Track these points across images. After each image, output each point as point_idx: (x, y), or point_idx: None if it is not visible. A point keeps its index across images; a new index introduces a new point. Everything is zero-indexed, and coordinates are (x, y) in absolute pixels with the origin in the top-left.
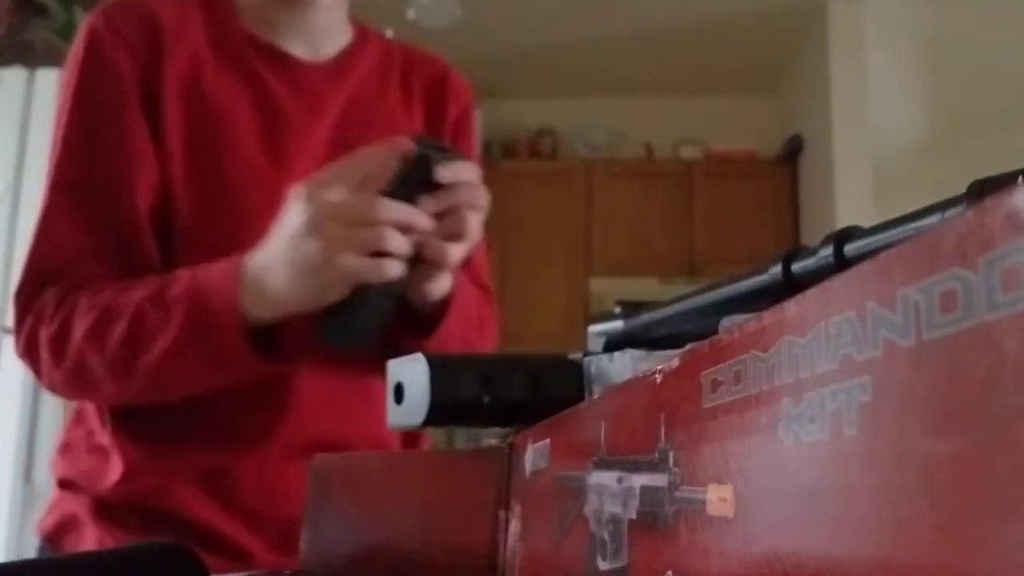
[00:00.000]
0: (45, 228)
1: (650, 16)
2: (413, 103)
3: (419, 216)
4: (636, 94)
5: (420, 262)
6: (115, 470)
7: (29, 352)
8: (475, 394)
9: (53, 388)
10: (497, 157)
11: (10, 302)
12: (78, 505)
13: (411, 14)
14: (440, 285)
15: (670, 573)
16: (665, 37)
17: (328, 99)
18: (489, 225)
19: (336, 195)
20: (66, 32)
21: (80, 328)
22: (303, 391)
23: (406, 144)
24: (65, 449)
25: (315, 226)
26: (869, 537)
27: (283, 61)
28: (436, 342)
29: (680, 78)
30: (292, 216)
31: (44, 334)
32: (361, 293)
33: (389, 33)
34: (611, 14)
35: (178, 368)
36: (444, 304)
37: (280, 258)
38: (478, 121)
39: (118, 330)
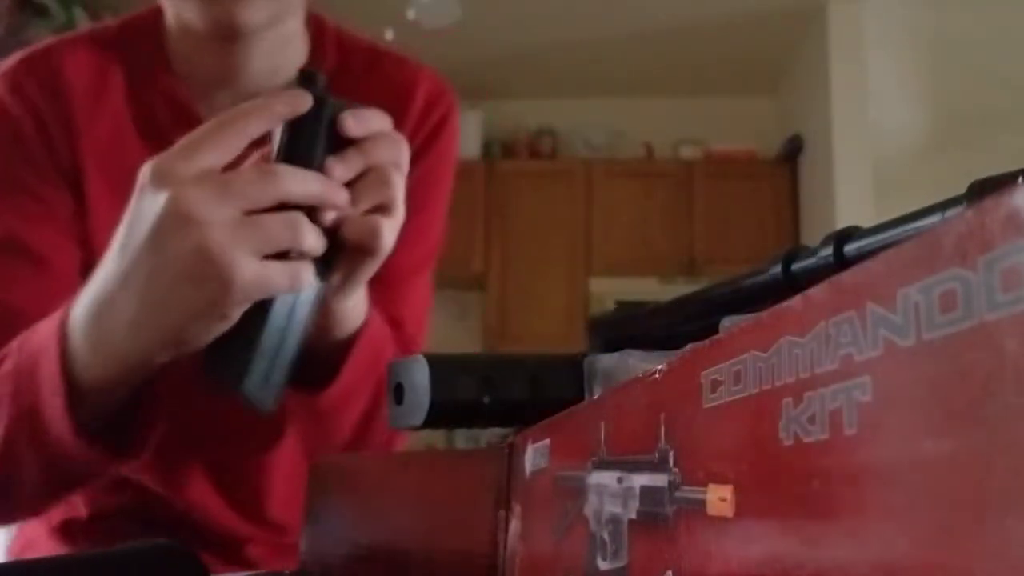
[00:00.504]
0: None
1: (650, 16)
2: None
3: (334, 189)
4: (636, 94)
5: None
6: (78, 510)
7: None
8: (475, 394)
9: None
10: (497, 157)
11: None
12: (40, 528)
13: (411, 14)
14: (356, 295)
15: (670, 573)
16: (665, 37)
17: None
18: (489, 225)
19: (208, 163)
20: (66, 32)
21: None
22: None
23: (293, 93)
24: None
25: (179, 217)
26: (868, 537)
27: None
28: (332, 398)
29: (680, 78)
30: (138, 211)
31: None
32: (260, 314)
33: (389, 34)
34: (611, 14)
35: (16, 472)
36: (350, 338)
37: (122, 282)
38: (478, 121)
39: None
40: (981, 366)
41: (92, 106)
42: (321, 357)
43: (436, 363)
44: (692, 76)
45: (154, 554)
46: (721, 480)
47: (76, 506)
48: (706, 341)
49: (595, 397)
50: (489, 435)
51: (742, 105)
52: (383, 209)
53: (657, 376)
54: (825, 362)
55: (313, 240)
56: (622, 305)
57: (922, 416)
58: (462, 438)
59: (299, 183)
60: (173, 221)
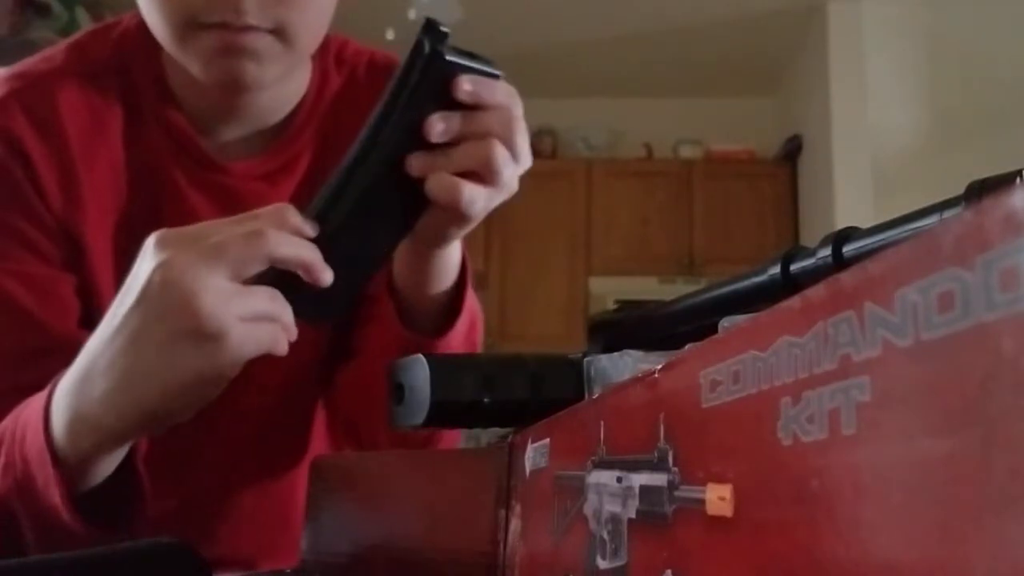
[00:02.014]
0: None
1: (650, 16)
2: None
3: (318, 262)
4: (636, 94)
5: (420, 207)
6: None
7: None
8: (475, 394)
9: None
10: None
11: None
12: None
13: (411, 14)
14: (450, 254)
15: (669, 572)
16: (665, 37)
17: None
18: (489, 225)
19: (207, 230)
20: (68, 32)
21: None
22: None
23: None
24: None
25: (168, 281)
26: (868, 537)
27: (215, 173)
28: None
29: (680, 78)
30: (135, 275)
31: None
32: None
33: (389, 34)
34: (611, 14)
35: (17, 536)
36: (454, 301)
37: (104, 347)
38: None
39: None
40: (979, 366)
41: (89, 149)
42: (421, 312)
43: (436, 363)
44: (692, 76)
45: (155, 552)
46: (720, 479)
47: None
48: (705, 341)
49: (595, 397)
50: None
51: (742, 105)
52: (478, 176)
53: (656, 376)
54: (824, 362)
55: (288, 316)
56: (622, 305)
57: (920, 416)
58: (462, 438)
59: (286, 247)
60: (161, 284)
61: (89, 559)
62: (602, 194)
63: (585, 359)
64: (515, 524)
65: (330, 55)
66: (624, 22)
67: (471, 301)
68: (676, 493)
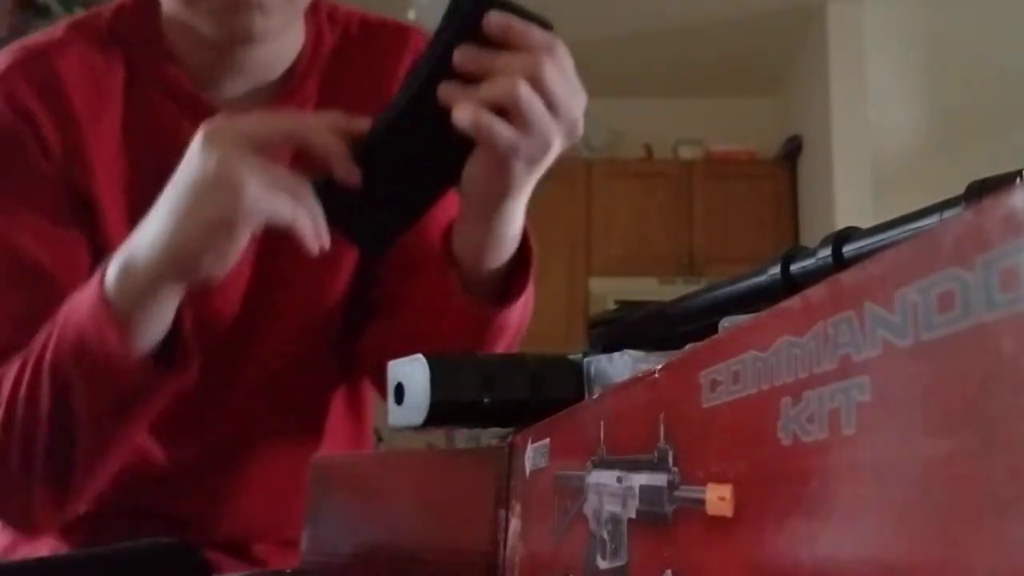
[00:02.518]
0: None
1: (650, 16)
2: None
3: (328, 137)
4: (636, 94)
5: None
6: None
7: None
8: (475, 394)
9: None
10: None
11: None
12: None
13: (411, 15)
14: (504, 219)
15: (669, 572)
16: (665, 37)
17: None
18: None
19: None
20: None
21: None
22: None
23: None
24: None
25: (208, 146)
26: (868, 536)
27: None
28: (504, 319)
29: (680, 78)
30: (187, 158)
31: None
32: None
33: None
34: (611, 14)
35: (74, 394)
36: (515, 276)
37: (154, 210)
38: None
39: (29, 366)
40: (979, 366)
41: (93, 113)
42: (479, 284)
43: (436, 363)
44: (692, 76)
45: (156, 552)
46: (720, 479)
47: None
48: (705, 341)
49: (595, 397)
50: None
51: (742, 105)
52: (505, 113)
53: (656, 376)
54: (824, 362)
55: (310, 205)
56: (622, 305)
57: (920, 416)
58: (462, 438)
59: (316, 133)
60: (202, 148)
61: (89, 559)
62: (602, 194)
63: (585, 359)
64: (515, 524)
65: (322, 14)
66: (624, 22)
67: (530, 291)
68: (676, 493)
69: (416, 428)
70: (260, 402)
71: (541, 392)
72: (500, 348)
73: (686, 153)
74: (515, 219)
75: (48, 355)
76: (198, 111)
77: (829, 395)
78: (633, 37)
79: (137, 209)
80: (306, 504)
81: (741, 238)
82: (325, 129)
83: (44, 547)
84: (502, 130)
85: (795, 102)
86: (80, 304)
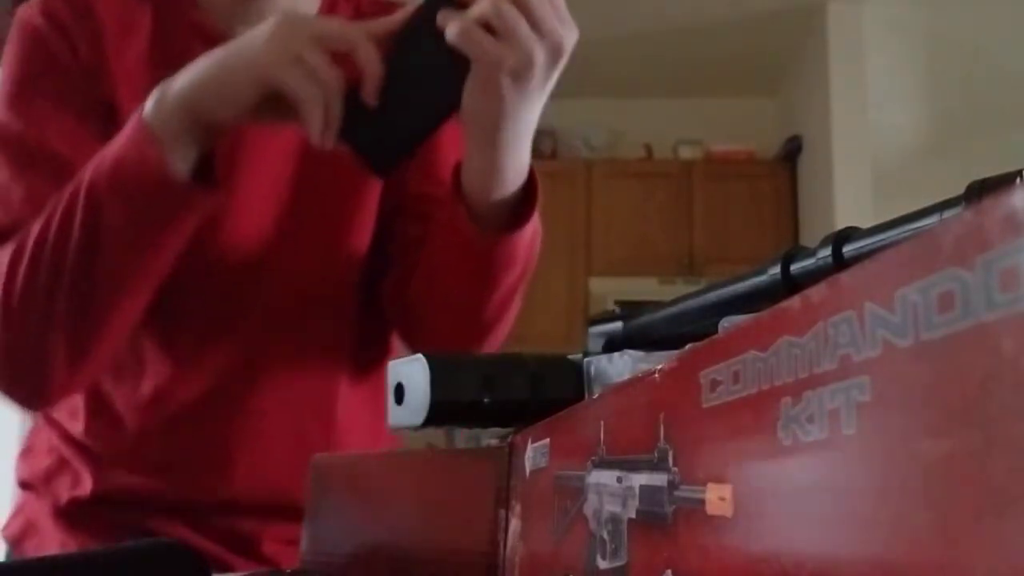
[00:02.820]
0: None
1: (650, 16)
2: None
3: (364, 43)
4: (636, 94)
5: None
6: (83, 485)
7: None
8: (475, 394)
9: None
10: None
11: None
12: (41, 510)
13: None
14: (508, 150)
15: (669, 572)
16: (665, 37)
17: None
18: None
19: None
20: None
21: (28, 243)
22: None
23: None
24: (27, 452)
25: (268, 32)
26: (868, 536)
27: None
28: (511, 247)
29: (680, 78)
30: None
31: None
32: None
33: None
34: (611, 14)
35: (107, 216)
36: (521, 207)
37: (202, 60)
38: None
39: (59, 213)
40: (979, 366)
41: (120, 39)
42: (487, 218)
43: (436, 363)
44: (692, 76)
45: (154, 553)
46: (720, 479)
47: (82, 482)
48: (705, 341)
49: (595, 397)
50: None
51: (742, 105)
52: (492, 31)
53: (656, 376)
54: (824, 362)
55: (332, 102)
56: (622, 305)
57: (920, 416)
58: (462, 438)
59: (353, 32)
60: (269, 23)
61: (89, 559)
62: (602, 194)
63: (585, 359)
64: (515, 524)
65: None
66: (624, 22)
67: (537, 225)
68: (676, 493)
69: (416, 428)
70: (275, 336)
71: (541, 392)
72: (509, 282)
73: (686, 153)
74: (515, 150)
75: (84, 186)
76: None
77: (829, 395)
78: (633, 37)
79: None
80: (306, 504)
81: (741, 238)
82: (370, 42)
83: (51, 541)
84: (486, 42)
85: (795, 102)
86: (116, 139)
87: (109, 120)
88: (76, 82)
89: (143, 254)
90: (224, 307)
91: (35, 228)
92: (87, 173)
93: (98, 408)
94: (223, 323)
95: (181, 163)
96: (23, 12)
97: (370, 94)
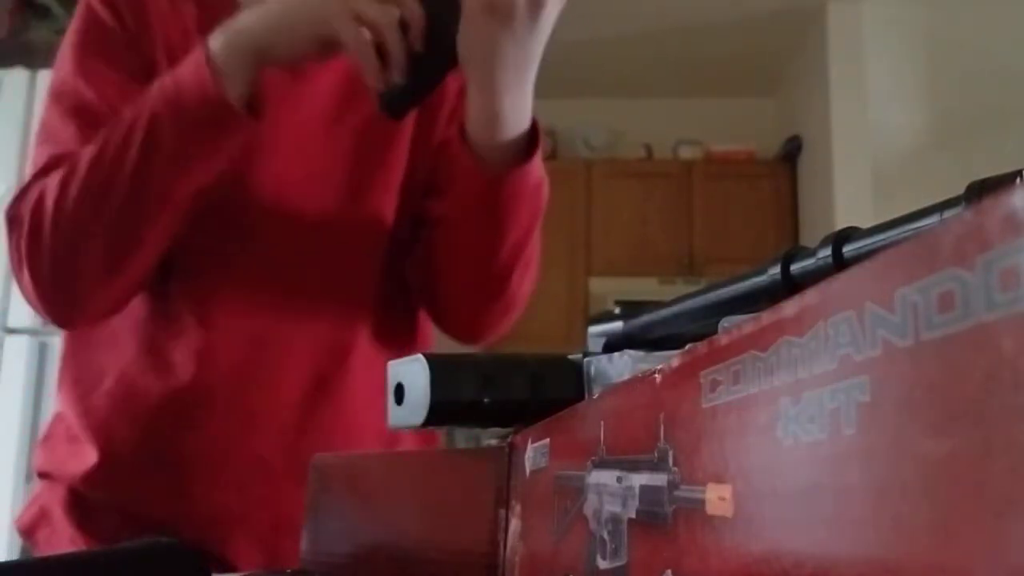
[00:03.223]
0: (47, 139)
1: (650, 16)
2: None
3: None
4: (636, 94)
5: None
6: (89, 458)
7: (35, 211)
8: (475, 394)
9: (56, 233)
10: None
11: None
12: (54, 498)
13: None
14: (508, 94)
15: (669, 572)
16: (665, 37)
17: (318, 70)
18: None
19: None
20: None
21: (87, 154)
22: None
23: None
24: (45, 440)
25: None
26: (868, 536)
27: None
28: (515, 184)
29: (680, 78)
30: None
31: (52, 183)
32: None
33: None
34: (611, 14)
35: (154, 137)
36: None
37: (267, 6)
38: None
39: (120, 125)
40: (979, 366)
41: (164, 23)
42: (495, 162)
43: (436, 363)
44: (692, 76)
45: (154, 553)
46: (720, 479)
47: (87, 455)
48: (705, 341)
49: (595, 397)
50: (489, 435)
51: (741, 105)
52: None
53: (656, 376)
54: (824, 362)
55: (393, 42)
56: (622, 306)
57: (920, 416)
58: (462, 438)
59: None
60: None
61: (89, 559)
62: (602, 194)
63: (585, 359)
64: (515, 524)
65: None
66: (624, 22)
67: (540, 168)
68: (676, 493)
69: (416, 428)
70: (305, 282)
71: (541, 392)
72: (519, 226)
73: (686, 153)
74: (512, 94)
75: (146, 108)
76: None
77: (829, 395)
78: (633, 37)
79: None
80: (306, 504)
81: (741, 238)
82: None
83: (62, 532)
84: None
85: (795, 102)
86: (179, 70)
87: (149, 80)
88: (121, 47)
89: (189, 172)
90: (255, 251)
91: (90, 149)
92: (149, 100)
93: (124, 392)
94: (255, 270)
95: (236, 93)
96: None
97: (416, 40)
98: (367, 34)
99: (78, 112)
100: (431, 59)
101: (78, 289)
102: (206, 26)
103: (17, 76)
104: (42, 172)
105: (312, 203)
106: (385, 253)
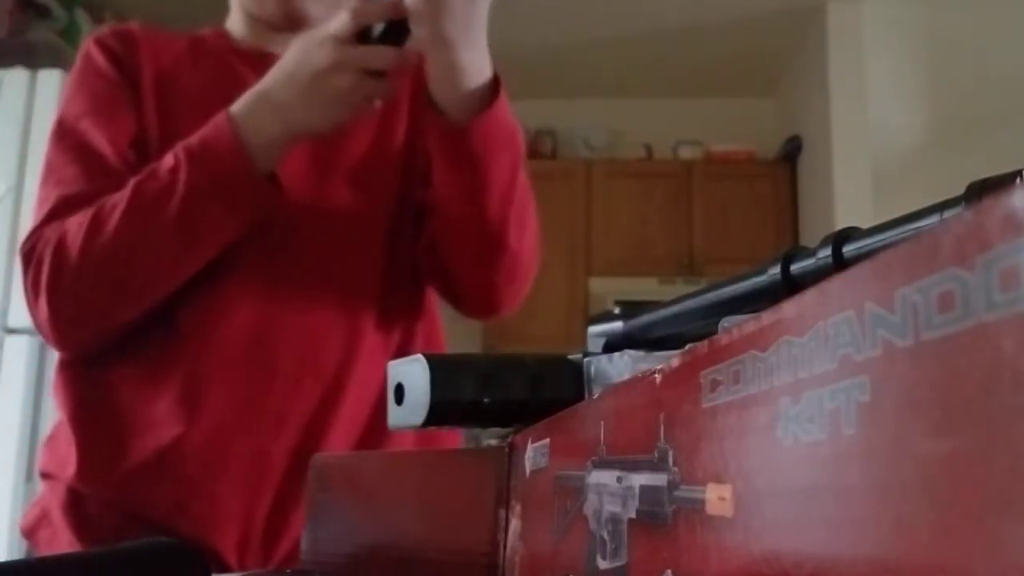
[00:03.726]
0: (52, 178)
1: (650, 16)
2: (400, 99)
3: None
4: (636, 94)
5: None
6: (88, 456)
7: (57, 252)
8: (475, 394)
9: (79, 278)
10: None
11: (19, 256)
12: (54, 499)
13: None
14: (465, 52)
15: (669, 572)
16: (665, 37)
17: None
18: None
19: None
20: (68, 33)
21: (116, 209)
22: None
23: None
24: (49, 440)
25: (332, 63)
26: (867, 537)
27: (264, 59)
28: (481, 136)
29: (680, 78)
30: (305, 52)
31: (74, 228)
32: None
33: None
34: (611, 15)
35: (192, 207)
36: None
37: (283, 84)
38: None
39: (153, 187)
40: (979, 366)
41: (153, 52)
42: (463, 107)
43: (436, 363)
44: (692, 76)
45: (154, 553)
46: (720, 479)
47: (87, 454)
48: (705, 341)
49: (595, 397)
50: (489, 435)
51: (741, 106)
52: None
53: (656, 376)
54: (824, 362)
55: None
56: (622, 305)
57: (920, 416)
58: (462, 438)
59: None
60: (332, 69)
61: (89, 559)
62: (602, 194)
63: (585, 359)
64: (515, 524)
65: None
66: (624, 22)
67: (509, 116)
68: (676, 493)
69: (416, 428)
70: (306, 280)
71: (541, 392)
72: (500, 172)
73: (686, 153)
74: (464, 46)
75: (181, 171)
76: (253, 56)
77: (829, 395)
78: (633, 37)
79: (170, 125)
80: (305, 504)
81: (741, 238)
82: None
83: (62, 534)
84: None
85: (795, 102)
86: (209, 130)
87: (142, 113)
88: (119, 89)
89: (219, 238)
90: (263, 248)
91: (119, 204)
92: (182, 168)
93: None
94: (275, 253)
95: (267, 171)
96: (86, 43)
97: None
98: (366, 99)
99: (81, 154)
100: (392, 33)
101: (97, 325)
102: (197, 58)
103: (17, 76)
104: (54, 213)
105: (313, 194)
106: (387, 244)
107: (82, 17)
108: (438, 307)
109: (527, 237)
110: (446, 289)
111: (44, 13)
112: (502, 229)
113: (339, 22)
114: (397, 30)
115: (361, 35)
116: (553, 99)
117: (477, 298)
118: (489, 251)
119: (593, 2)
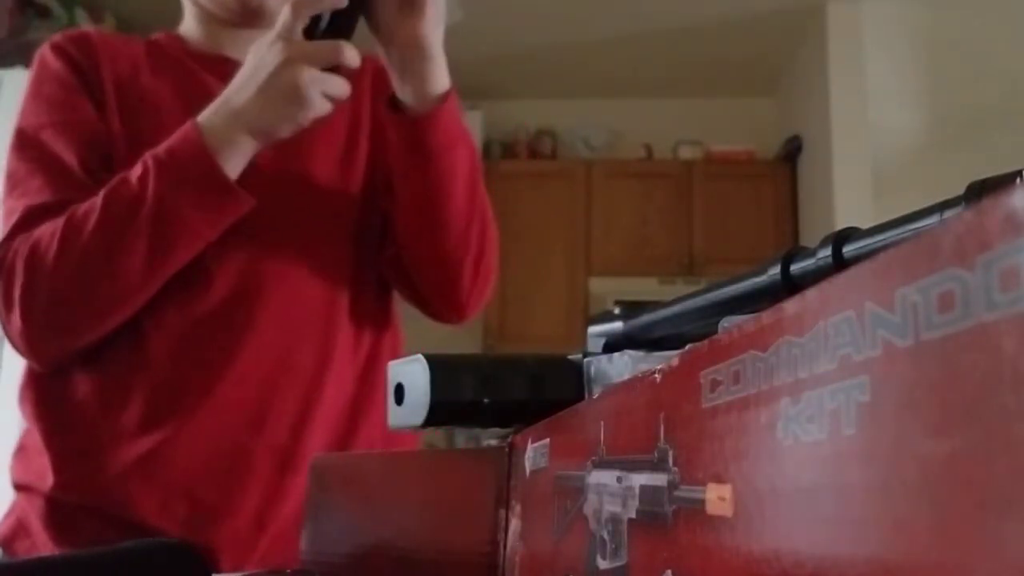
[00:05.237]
0: (17, 189)
1: (650, 16)
2: (363, 96)
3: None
4: (636, 94)
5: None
6: (66, 464)
7: (29, 264)
8: (475, 394)
9: (54, 290)
10: (497, 157)
11: None
12: (31, 509)
13: None
14: (428, 61)
15: (669, 572)
16: (665, 37)
17: None
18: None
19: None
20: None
21: (88, 218)
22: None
23: None
24: (20, 451)
25: (287, 65)
26: (867, 536)
27: (222, 63)
28: (439, 132)
29: (680, 78)
30: (262, 57)
31: (46, 238)
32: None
33: None
34: (611, 14)
35: (164, 215)
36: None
37: (242, 89)
38: (478, 121)
39: (124, 196)
40: (979, 366)
41: (112, 56)
42: (418, 106)
43: (436, 363)
44: (692, 76)
45: (155, 552)
46: (720, 479)
47: (64, 462)
48: (705, 341)
49: (595, 397)
50: (489, 435)
51: (741, 105)
52: None
53: (656, 376)
54: (824, 362)
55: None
56: (622, 305)
57: (920, 416)
58: (462, 438)
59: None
60: (283, 66)
61: (89, 559)
62: (602, 194)
63: (585, 359)
64: (515, 524)
65: None
66: (624, 22)
67: (461, 117)
68: (676, 493)
69: (416, 428)
70: (278, 260)
71: (541, 392)
72: (459, 167)
73: (686, 153)
74: (420, 47)
75: (151, 180)
76: (211, 60)
77: (829, 395)
78: (633, 37)
79: (131, 126)
80: (305, 504)
81: (741, 238)
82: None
83: (42, 544)
84: None
85: (795, 102)
86: (176, 139)
87: (104, 117)
88: (76, 94)
89: (193, 244)
90: (233, 252)
91: (91, 215)
92: (150, 178)
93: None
94: (232, 269)
95: (235, 175)
96: (41, 49)
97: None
98: (327, 100)
99: (44, 164)
100: (348, 16)
101: (71, 336)
102: (155, 62)
103: (17, 76)
104: (22, 224)
105: (282, 202)
106: (354, 254)
107: (82, 17)
108: (401, 318)
109: (489, 238)
110: (413, 294)
111: (44, 13)
112: (467, 226)
113: (281, 18)
114: (343, 23)
115: (308, 30)
116: (553, 99)
117: (444, 300)
118: (454, 251)
119: (593, 2)
